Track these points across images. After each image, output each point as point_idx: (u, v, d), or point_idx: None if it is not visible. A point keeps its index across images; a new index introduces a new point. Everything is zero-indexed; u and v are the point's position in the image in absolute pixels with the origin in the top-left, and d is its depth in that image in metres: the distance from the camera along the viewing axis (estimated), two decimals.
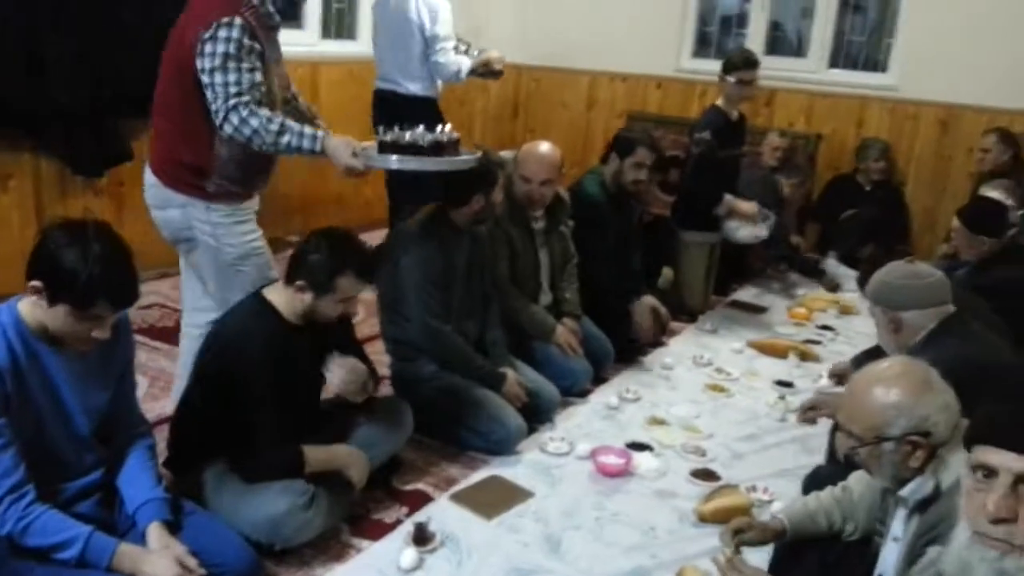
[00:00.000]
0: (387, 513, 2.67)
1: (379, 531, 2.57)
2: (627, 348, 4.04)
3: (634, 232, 4.33)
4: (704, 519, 2.70)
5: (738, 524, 2.12)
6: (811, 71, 6.16)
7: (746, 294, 5.25)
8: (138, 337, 3.06)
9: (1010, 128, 5.20)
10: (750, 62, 4.58)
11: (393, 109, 4.31)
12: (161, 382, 3.42)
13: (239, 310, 2.48)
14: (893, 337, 2.50)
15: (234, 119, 2.44)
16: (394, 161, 2.66)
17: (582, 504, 2.79)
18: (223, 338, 2.42)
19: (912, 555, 1.75)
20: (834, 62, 6.19)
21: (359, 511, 2.64)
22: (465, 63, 4.46)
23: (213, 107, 2.46)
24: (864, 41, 6.21)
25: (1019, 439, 1.21)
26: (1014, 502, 1.21)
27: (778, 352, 4.21)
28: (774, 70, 5.89)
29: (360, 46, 5.87)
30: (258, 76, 2.51)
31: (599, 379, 3.80)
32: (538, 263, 3.67)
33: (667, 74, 6.60)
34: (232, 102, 2.43)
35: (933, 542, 1.65)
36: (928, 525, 1.76)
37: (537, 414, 3.29)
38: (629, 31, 6.61)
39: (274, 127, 2.47)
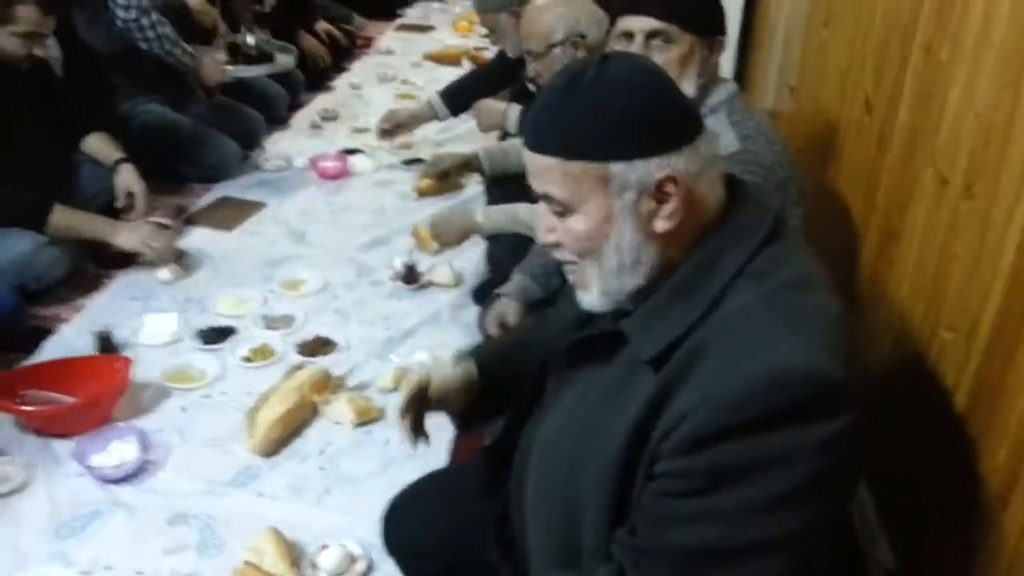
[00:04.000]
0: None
1: (124, 261, 2.62)
2: (315, 75, 4.17)
3: None
4: (423, 193, 3.07)
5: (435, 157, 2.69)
6: None
7: (413, 16, 5.48)
8: None
9: None
10: None
11: None
12: None
13: None
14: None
15: (144, 21, 2.95)
16: (254, 70, 3.45)
17: (314, 203, 3.03)
18: None
19: None
20: None
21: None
22: None
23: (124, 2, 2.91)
24: None
25: (647, 2, 1.57)
26: (647, 52, 1.57)
27: (453, 59, 4.57)
28: None
29: None
30: None
31: (294, 106, 3.92)
32: None
33: None
34: (145, 3, 2.95)
35: None
36: None
37: (246, 139, 3.38)
38: None
39: (173, 37, 3.07)
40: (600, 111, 0.92)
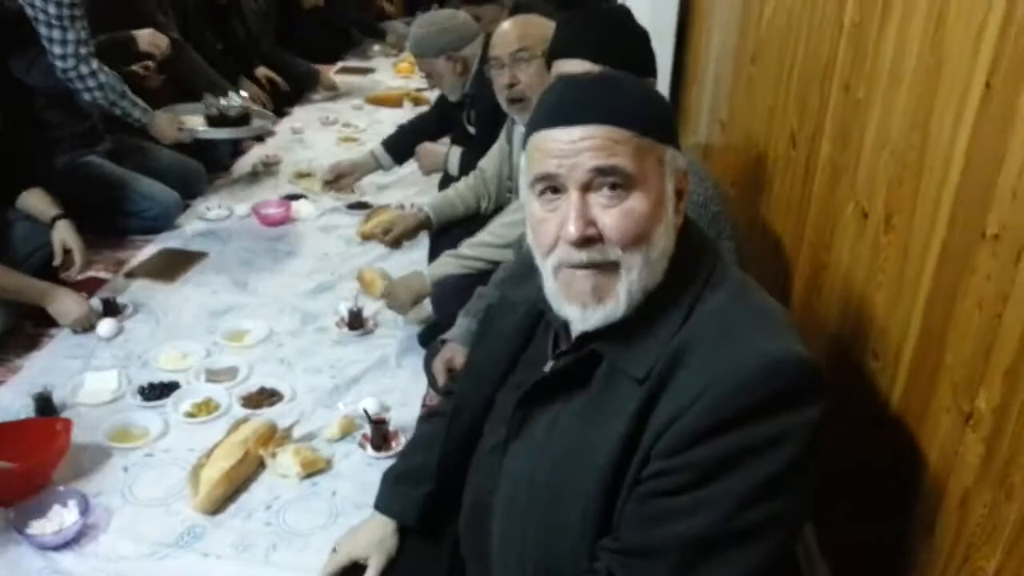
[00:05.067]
0: None
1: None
2: None
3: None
4: (367, 237, 3.07)
5: (385, 223, 2.59)
6: None
7: (352, 61, 5.51)
8: None
9: None
10: None
11: None
12: None
13: None
14: (460, 79, 2.90)
15: (83, 69, 2.84)
16: (215, 132, 3.20)
17: (256, 251, 3.02)
18: None
19: None
20: None
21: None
22: None
23: (60, 51, 2.79)
24: None
25: (582, 46, 1.62)
26: None
27: (394, 102, 4.60)
28: None
29: None
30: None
31: (236, 153, 3.91)
32: None
33: None
34: (84, 51, 2.82)
35: None
36: None
37: (187, 189, 3.35)
38: None
39: (119, 88, 2.97)
40: (655, 97, 1.02)
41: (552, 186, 0.98)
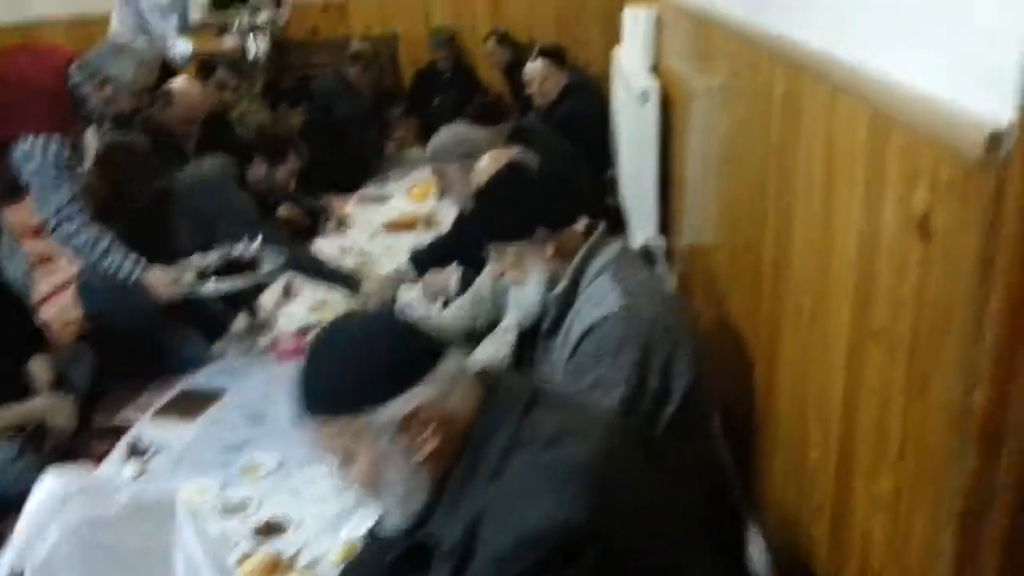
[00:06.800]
0: (97, 446, 2.84)
1: (96, 461, 2.73)
2: None
3: None
4: None
5: None
6: None
7: (370, 191, 5.77)
8: None
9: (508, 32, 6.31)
10: None
11: None
12: None
13: None
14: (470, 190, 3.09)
15: (68, 228, 2.85)
16: (210, 287, 3.08)
17: (275, 384, 3.14)
18: None
19: None
20: None
21: (72, 453, 2.77)
22: None
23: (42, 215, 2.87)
24: None
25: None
26: None
27: (407, 225, 4.81)
28: None
29: None
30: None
31: (258, 289, 4.10)
32: None
33: None
34: (65, 212, 2.84)
35: None
36: None
37: (210, 331, 3.54)
38: None
39: (100, 247, 2.90)
40: (348, 369, 1.17)
41: None
